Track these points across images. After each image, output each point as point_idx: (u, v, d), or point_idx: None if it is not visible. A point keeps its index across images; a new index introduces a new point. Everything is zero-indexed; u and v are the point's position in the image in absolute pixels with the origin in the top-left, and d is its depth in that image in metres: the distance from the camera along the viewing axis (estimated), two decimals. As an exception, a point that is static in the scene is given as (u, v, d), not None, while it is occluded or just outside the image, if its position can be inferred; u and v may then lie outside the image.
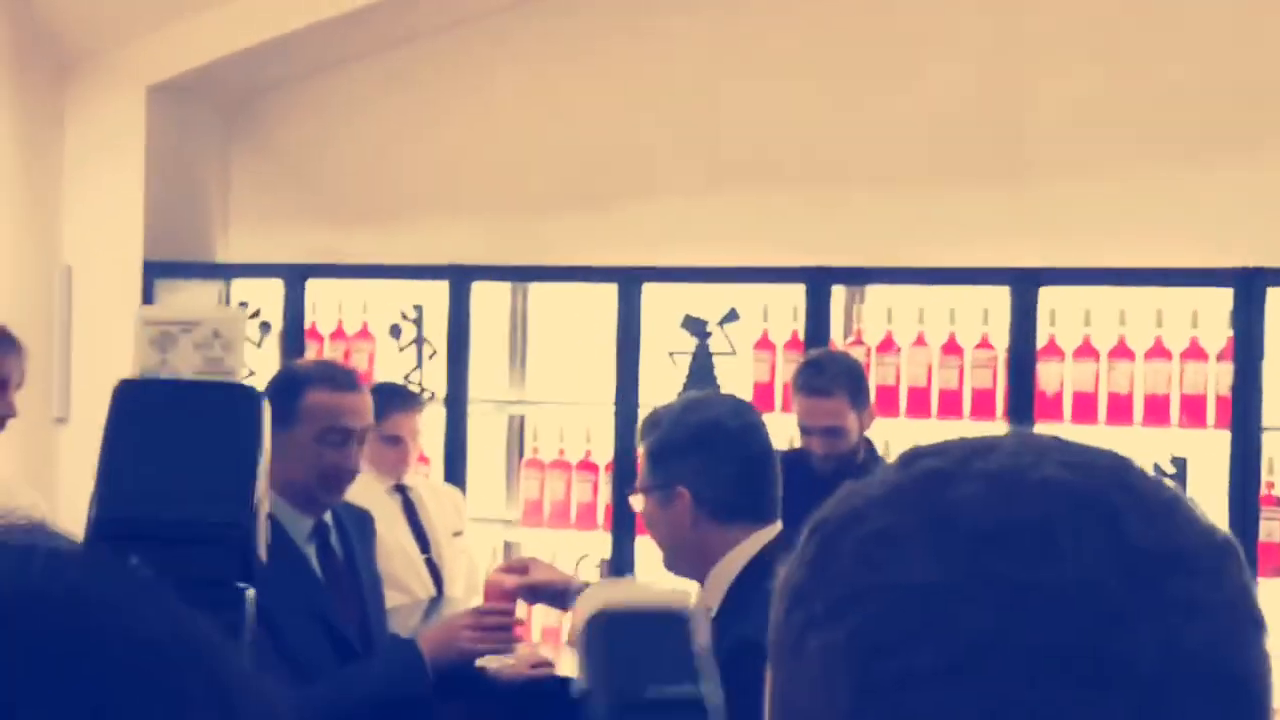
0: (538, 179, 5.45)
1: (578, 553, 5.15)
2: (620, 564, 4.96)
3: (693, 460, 2.49)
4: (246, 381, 6.16)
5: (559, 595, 2.82)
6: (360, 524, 3.18)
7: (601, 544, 5.05)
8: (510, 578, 2.87)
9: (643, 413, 4.89)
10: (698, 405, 2.63)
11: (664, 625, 1.93)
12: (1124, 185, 4.76)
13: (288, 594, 2.87)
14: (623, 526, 4.95)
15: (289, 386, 2.93)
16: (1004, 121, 4.90)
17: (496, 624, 2.92)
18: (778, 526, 2.50)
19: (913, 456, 0.80)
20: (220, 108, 5.87)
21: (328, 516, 3.06)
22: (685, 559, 2.56)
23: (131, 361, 2.37)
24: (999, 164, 4.90)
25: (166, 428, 2.05)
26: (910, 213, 4.96)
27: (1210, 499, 4.46)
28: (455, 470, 5.12)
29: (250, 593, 2.06)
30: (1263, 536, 4.39)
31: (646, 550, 4.34)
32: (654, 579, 3.11)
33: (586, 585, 2.74)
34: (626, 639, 1.92)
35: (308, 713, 2.80)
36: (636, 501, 2.59)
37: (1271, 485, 4.44)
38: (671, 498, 2.49)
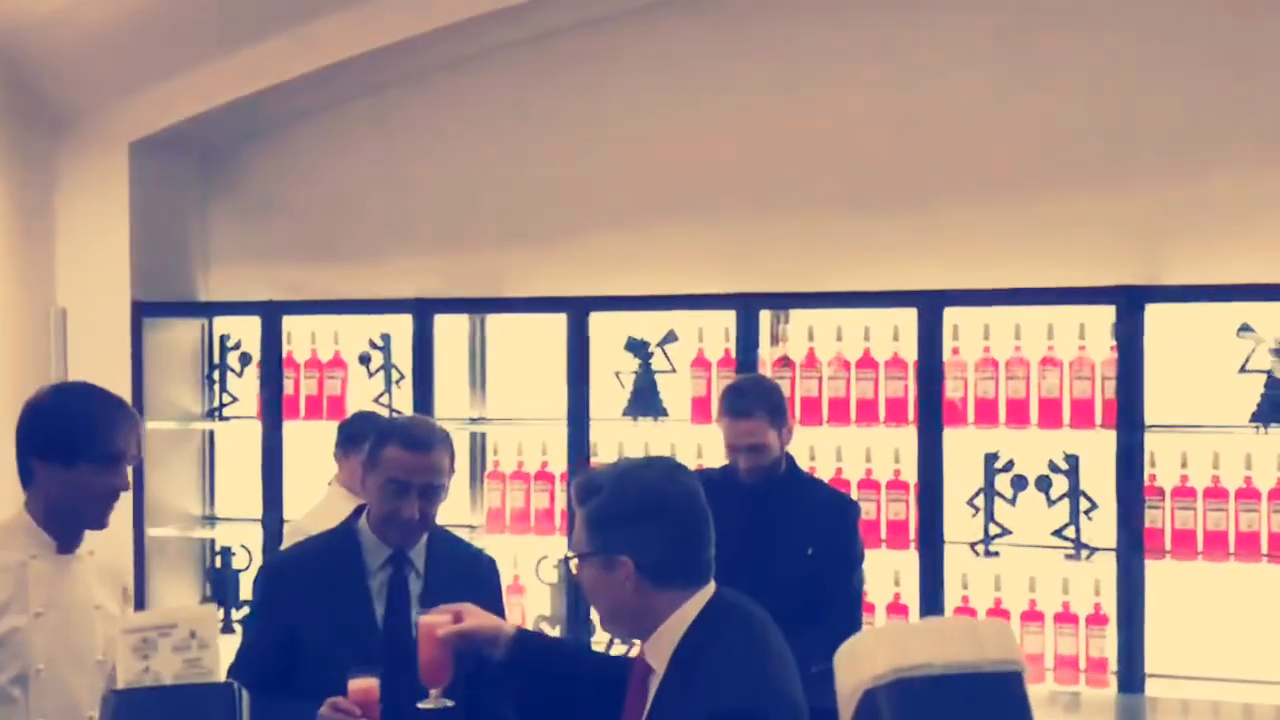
0: (492, 218, 5.54)
1: (537, 555, 5.27)
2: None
3: (637, 529, 2.36)
4: (231, 414, 6.24)
5: (490, 641, 2.68)
6: (467, 575, 3.15)
7: (559, 547, 5.14)
8: (441, 624, 2.68)
9: (594, 428, 5.13)
10: (637, 473, 2.44)
11: (979, 692, 1.80)
12: (1017, 213, 4.91)
13: (337, 617, 2.96)
14: (577, 531, 5.09)
15: (379, 438, 3.08)
16: (909, 159, 5.03)
17: None
18: (712, 586, 2.42)
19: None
20: (198, 159, 5.92)
21: (419, 552, 3.09)
22: (625, 622, 2.45)
23: (118, 671, 2.46)
24: (906, 197, 5.02)
25: None
26: (828, 241, 5.08)
27: (1100, 491, 4.67)
28: (424, 485, 5.21)
29: None
30: (1147, 523, 4.57)
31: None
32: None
33: (519, 631, 2.68)
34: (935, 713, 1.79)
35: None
36: (574, 565, 2.43)
37: (1154, 477, 4.61)
38: (613, 565, 2.36)
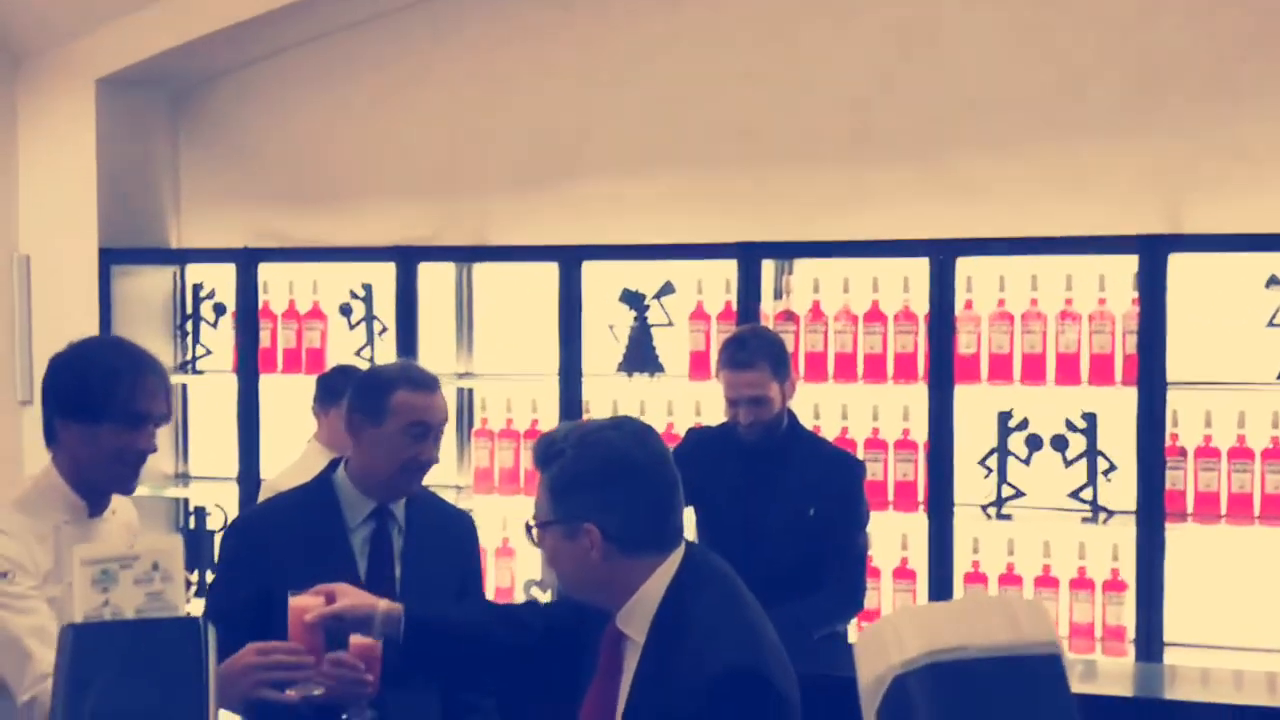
0: (480, 162, 5.39)
1: (527, 516, 5.10)
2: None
3: (602, 495, 2.30)
4: (205, 367, 6.06)
5: (364, 622, 2.62)
6: (448, 529, 3.20)
7: (549, 508, 5.02)
8: (312, 605, 2.62)
9: (586, 383, 4.94)
10: (601, 437, 2.34)
11: (1017, 676, 1.77)
12: (1033, 159, 4.78)
13: (316, 573, 2.81)
14: (569, 491, 4.94)
15: (378, 387, 3.05)
16: (920, 101, 4.88)
17: (282, 663, 2.63)
18: (683, 548, 2.37)
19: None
20: (169, 98, 5.75)
21: (398, 509, 3.09)
22: (591, 591, 2.39)
23: (75, 604, 2.34)
24: (917, 141, 4.89)
25: (116, 671, 1.98)
26: (835, 189, 4.95)
27: (1119, 451, 4.53)
28: (408, 442, 5.08)
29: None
30: (1168, 485, 4.44)
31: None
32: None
33: (392, 612, 2.57)
34: (978, 705, 1.76)
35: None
36: (535, 534, 2.38)
37: (1176, 437, 4.49)
38: (578, 532, 2.30)
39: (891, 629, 1.78)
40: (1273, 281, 4.43)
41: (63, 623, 2.43)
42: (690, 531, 4.07)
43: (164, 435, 5.70)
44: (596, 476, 2.30)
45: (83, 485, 2.78)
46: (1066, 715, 1.80)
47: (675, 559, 2.35)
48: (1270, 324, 4.41)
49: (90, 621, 2.30)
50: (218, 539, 5.43)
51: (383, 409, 3.01)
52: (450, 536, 3.20)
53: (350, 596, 2.64)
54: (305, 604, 2.63)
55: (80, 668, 1.99)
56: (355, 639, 2.71)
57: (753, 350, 3.90)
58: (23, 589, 2.68)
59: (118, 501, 2.91)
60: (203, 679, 1.97)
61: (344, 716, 2.80)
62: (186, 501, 5.66)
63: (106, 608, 2.37)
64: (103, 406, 2.70)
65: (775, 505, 3.92)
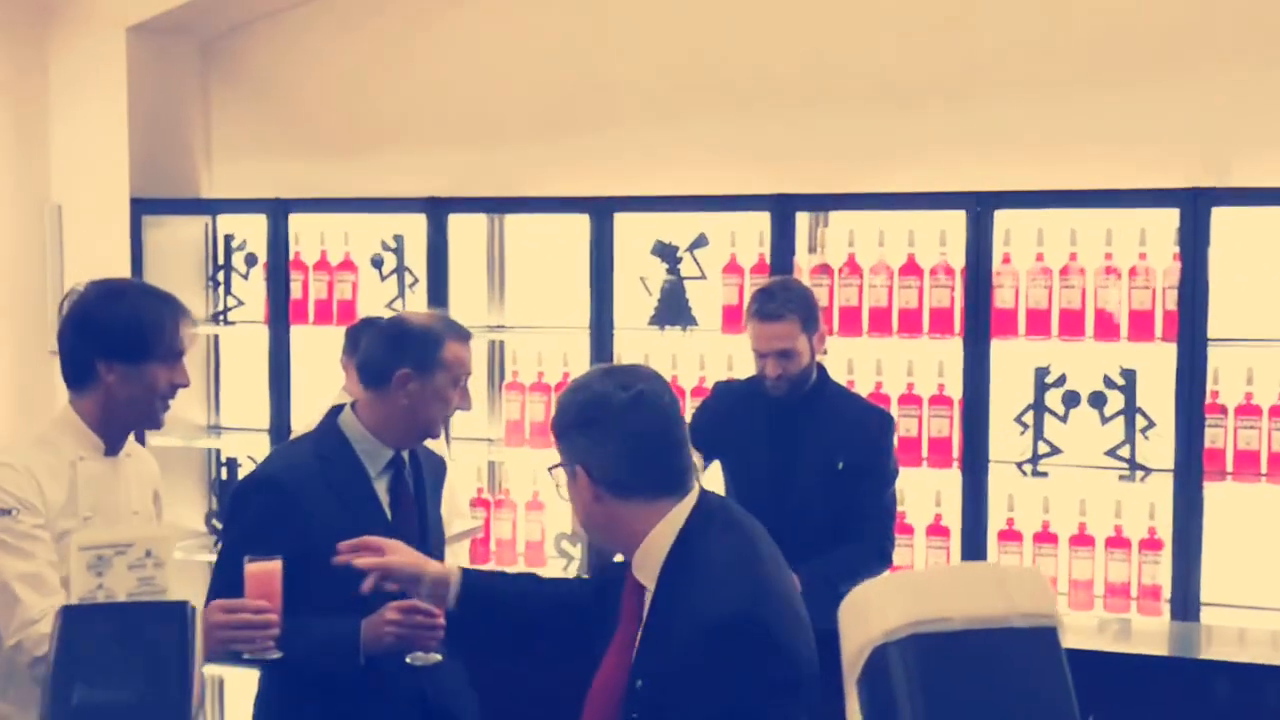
0: (512, 112, 5.35)
1: (558, 469, 5.11)
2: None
3: (585, 439, 2.37)
4: (237, 318, 6.06)
5: (412, 581, 2.73)
6: (434, 468, 3.28)
7: (580, 462, 5.01)
8: (270, 568, 2.75)
9: (618, 336, 4.91)
10: (586, 381, 2.44)
11: (1007, 650, 1.70)
12: (1074, 110, 4.70)
13: (350, 525, 2.90)
14: (600, 445, 4.92)
15: (429, 340, 3.07)
16: (958, 50, 4.82)
17: (420, 624, 2.83)
18: (694, 495, 2.39)
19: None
20: (199, 46, 5.73)
21: (405, 454, 3.13)
22: (599, 532, 2.46)
23: (71, 587, 2.47)
24: (954, 91, 4.82)
25: (107, 650, 2.07)
26: (871, 140, 4.90)
27: (1158, 408, 4.47)
28: (438, 394, 5.07)
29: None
30: (1208, 443, 4.38)
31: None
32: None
33: (442, 577, 2.71)
34: (963, 678, 1.69)
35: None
36: (555, 477, 2.49)
37: (1216, 394, 4.42)
38: (575, 474, 2.38)
39: (874, 597, 1.72)
40: (1319, 236, 4.37)
41: (67, 563, 2.56)
42: (719, 484, 4.06)
43: (196, 386, 5.77)
44: (577, 419, 2.38)
45: (108, 424, 2.88)
46: (1059, 690, 1.72)
47: (685, 506, 2.37)
48: (1315, 279, 4.36)
49: (84, 603, 2.42)
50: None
51: (434, 361, 3.03)
52: (437, 478, 3.28)
53: (400, 554, 2.74)
54: (264, 567, 2.76)
55: (72, 647, 2.07)
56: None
57: (781, 302, 3.87)
58: (27, 527, 2.75)
59: (135, 449, 3.01)
60: (187, 660, 2.06)
61: (408, 658, 2.88)
62: (219, 452, 5.67)
63: (100, 590, 2.49)
64: (152, 346, 2.83)
65: (802, 459, 3.90)
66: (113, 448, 2.91)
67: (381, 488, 3.07)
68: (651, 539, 2.35)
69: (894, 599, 1.70)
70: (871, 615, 1.69)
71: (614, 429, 2.35)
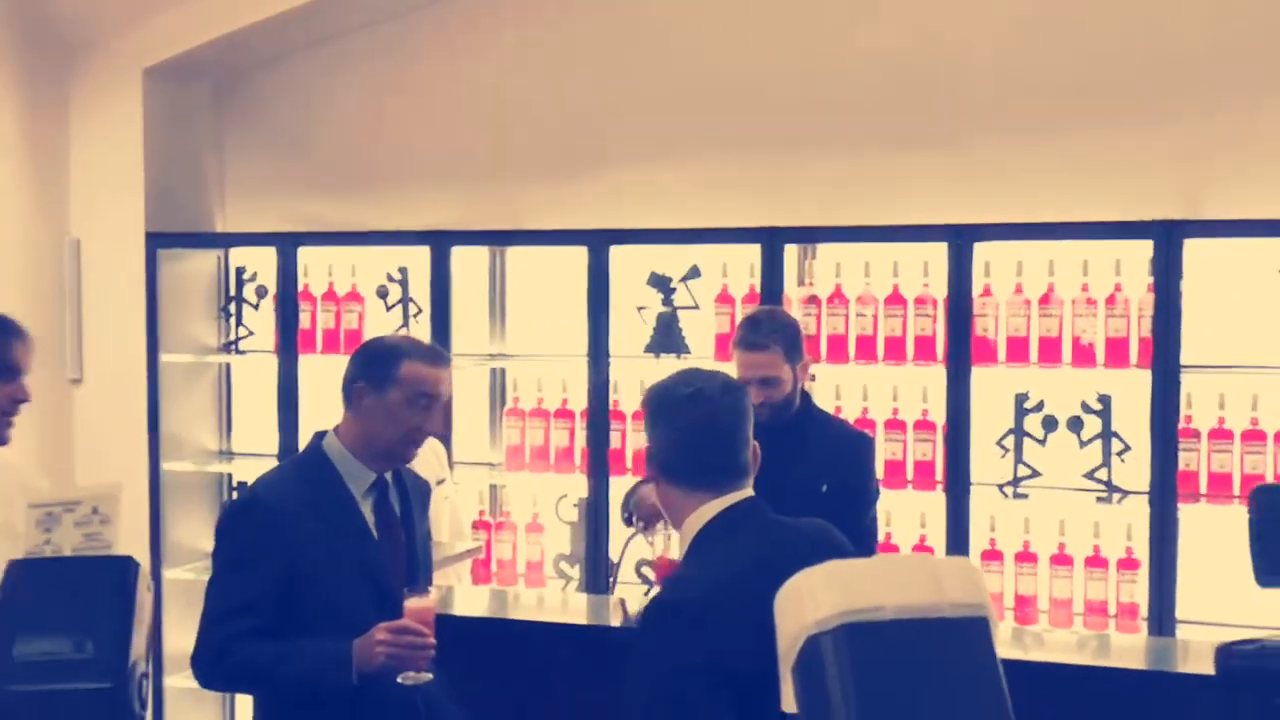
0: (512, 149, 5.47)
1: (557, 493, 5.24)
2: (597, 503, 5.05)
3: (652, 430, 2.58)
4: (247, 348, 6.17)
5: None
6: (419, 491, 3.24)
7: (578, 485, 5.13)
8: (429, 603, 2.89)
9: (614, 364, 5.05)
10: (665, 382, 2.61)
11: (937, 639, 1.68)
12: (1051, 145, 4.81)
13: (338, 546, 2.94)
14: (598, 468, 5.05)
15: (385, 356, 3.05)
16: (939, 91, 4.94)
17: (410, 644, 2.86)
18: (740, 495, 2.51)
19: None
20: (213, 88, 5.86)
21: (388, 475, 3.10)
22: (662, 507, 2.61)
23: (22, 543, 2.53)
24: (935, 129, 4.94)
25: (51, 602, 2.08)
26: (856, 175, 5.00)
27: (1133, 433, 4.59)
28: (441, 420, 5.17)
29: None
30: (1182, 466, 4.49)
31: (620, 491, 4.43)
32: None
33: None
34: (894, 667, 1.67)
35: (250, 667, 2.89)
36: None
37: (1189, 419, 4.54)
38: (647, 453, 2.60)
39: (807, 588, 1.70)
40: (1287, 266, 4.45)
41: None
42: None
43: (208, 413, 5.93)
44: (647, 408, 2.61)
45: None
46: (989, 679, 1.70)
47: (720, 503, 2.49)
48: (1285, 308, 4.46)
49: (31, 557, 2.46)
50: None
51: (388, 377, 3.00)
52: (421, 496, 3.24)
53: None
54: (421, 602, 2.88)
55: (15, 599, 2.09)
56: (410, 602, 2.87)
57: (766, 332, 3.96)
58: None
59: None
60: (129, 614, 2.05)
61: (399, 678, 2.90)
62: (230, 476, 5.80)
63: (48, 546, 2.54)
64: None
65: (787, 482, 3.92)
66: None
67: (367, 508, 3.04)
68: (687, 525, 2.51)
69: (827, 589, 1.69)
70: (805, 604, 1.69)
71: (667, 420, 2.54)
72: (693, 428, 2.52)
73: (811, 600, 1.69)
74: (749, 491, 2.54)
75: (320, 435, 3.12)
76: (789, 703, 1.71)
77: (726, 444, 2.53)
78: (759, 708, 2.18)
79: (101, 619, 2.07)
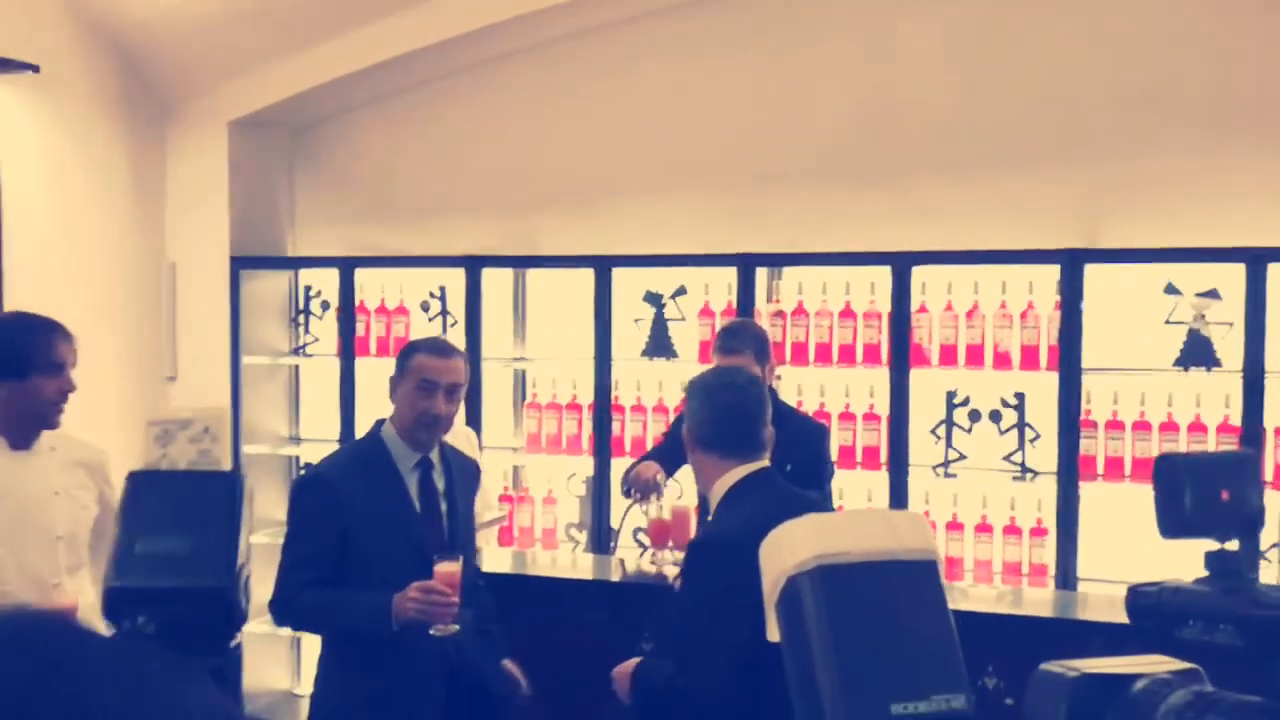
0: (533, 188, 5.52)
1: (567, 472, 5.30)
2: (600, 480, 5.12)
3: (687, 403, 2.76)
4: (313, 352, 6.25)
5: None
6: (466, 471, 3.24)
7: (585, 465, 5.18)
8: (454, 569, 2.86)
9: (615, 365, 5.14)
10: (705, 374, 2.84)
11: (895, 578, 1.69)
12: (977, 186, 4.86)
13: (383, 514, 2.97)
14: (601, 452, 5.12)
15: (405, 353, 3.12)
16: (885, 138, 5.00)
17: (434, 602, 2.84)
18: (753, 466, 2.65)
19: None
20: (287, 136, 5.90)
21: (435, 456, 3.10)
22: (695, 474, 2.75)
23: (141, 455, 2.45)
24: (882, 171, 4.99)
25: (168, 510, 2.04)
26: (816, 210, 5.05)
27: (1043, 423, 4.65)
28: (473, 412, 5.20)
29: (236, 643, 1.99)
30: (1082, 451, 4.56)
31: (619, 470, 4.52)
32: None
33: None
34: (860, 602, 1.69)
35: (312, 609, 2.93)
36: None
37: (1089, 412, 4.60)
38: (687, 428, 2.74)
39: (787, 537, 1.78)
40: (1170, 288, 4.50)
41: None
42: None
43: (280, 405, 6.02)
44: (688, 391, 2.77)
45: (9, 427, 2.84)
46: (938, 612, 1.78)
47: (743, 470, 2.62)
48: (1167, 321, 4.49)
49: (149, 469, 2.43)
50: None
51: (405, 369, 3.04)
52: (469, 477, 3.26)
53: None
54: (449, 566, 2.85)
55: (136, 506, 2.08)
56: (440, 566, 2.87)
57: (740, 339, 4.02)
58: None
59: (63, 442, 2.90)
60: (237, 522, 2.02)
61: (431, 630, 2.90)
62: (298, 458, 5.86)
63: (164, 459, 2.50)
64: (32, 362, 2.80)
65: None
66: (18, 444, 2.86)
67: (412, 484, 3.03)
68: (717, 486, 2.63)
69: (803, 537, 1.76)
70: (785, 551, 1.76)
71: (709, 402, 2.68)
72: (726, 410, 2.66)
73: (790, 548, 1.75)
74: (765, 462, 2.69)
75: (380, 422, 3.15)
76: (774, 633, 1.76)
77: (751, 423, 2.69)
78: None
79: (212, 525, 2.04)
